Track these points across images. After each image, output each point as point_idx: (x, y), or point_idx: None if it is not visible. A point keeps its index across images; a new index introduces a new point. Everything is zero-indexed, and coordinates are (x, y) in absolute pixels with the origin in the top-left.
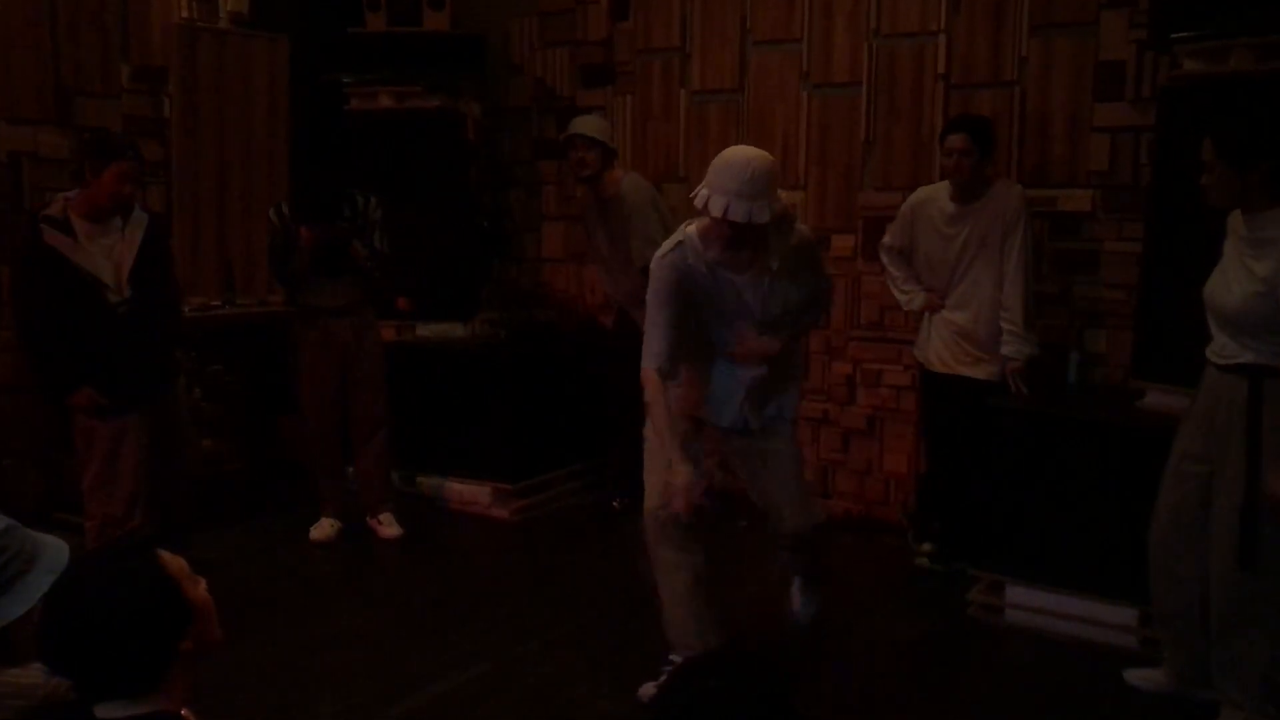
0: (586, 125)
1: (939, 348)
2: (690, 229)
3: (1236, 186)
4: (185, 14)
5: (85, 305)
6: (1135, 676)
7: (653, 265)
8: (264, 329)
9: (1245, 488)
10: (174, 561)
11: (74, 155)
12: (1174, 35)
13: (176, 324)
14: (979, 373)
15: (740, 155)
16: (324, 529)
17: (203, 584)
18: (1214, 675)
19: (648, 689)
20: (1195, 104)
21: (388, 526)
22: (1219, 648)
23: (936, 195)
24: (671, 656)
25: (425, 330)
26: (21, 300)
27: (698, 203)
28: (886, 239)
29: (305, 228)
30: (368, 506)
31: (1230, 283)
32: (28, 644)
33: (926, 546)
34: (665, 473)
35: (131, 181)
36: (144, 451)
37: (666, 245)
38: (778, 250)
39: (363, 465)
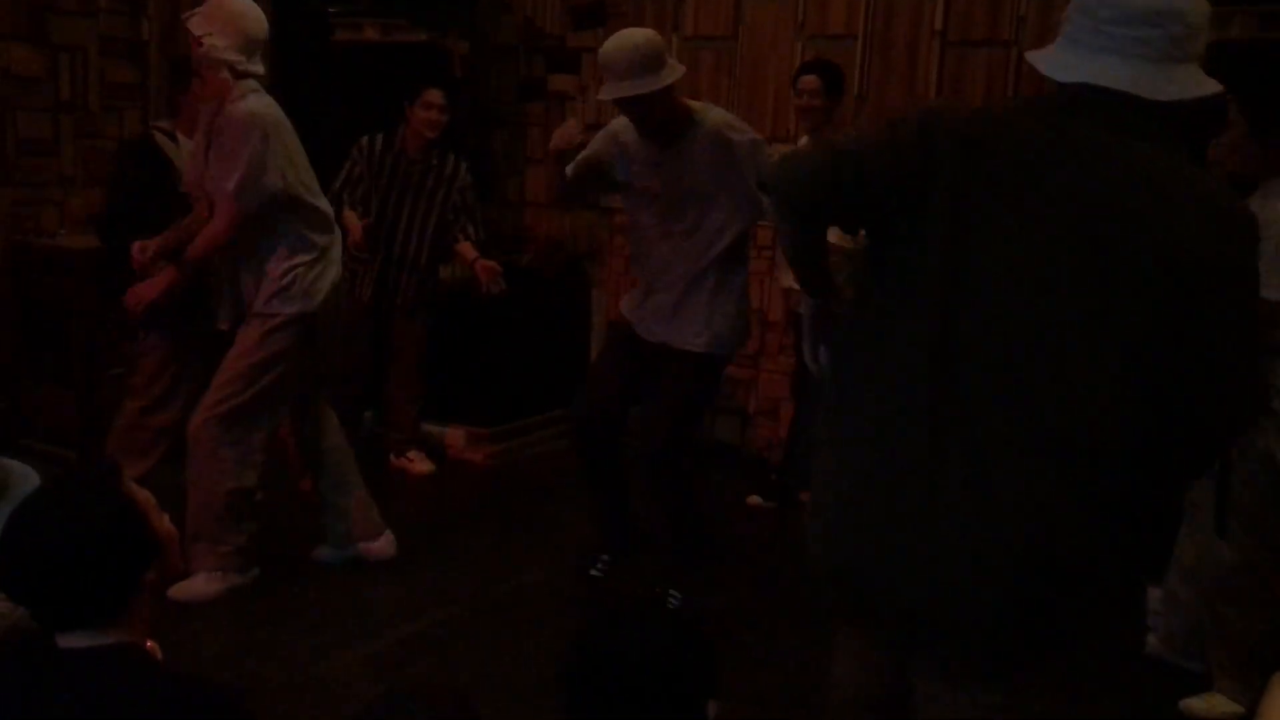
0: None
1: None
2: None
3: (1256, 151)
4: None
5: (170, 195)
6: None
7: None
8: None
9: (1222, 458)
10: (140, 492)
11: (165, 90)
12: None
13: None
14: None
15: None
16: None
17: (167, 517)
18: (1207, 644)
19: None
20: None
21: (420, 463)
22: (1210, 618)
23: None
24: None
25: None
26: (114, 182)
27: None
28: None
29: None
30: (395, 445)
31: None
32: None
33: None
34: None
35: None
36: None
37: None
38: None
39: (396, 399)
